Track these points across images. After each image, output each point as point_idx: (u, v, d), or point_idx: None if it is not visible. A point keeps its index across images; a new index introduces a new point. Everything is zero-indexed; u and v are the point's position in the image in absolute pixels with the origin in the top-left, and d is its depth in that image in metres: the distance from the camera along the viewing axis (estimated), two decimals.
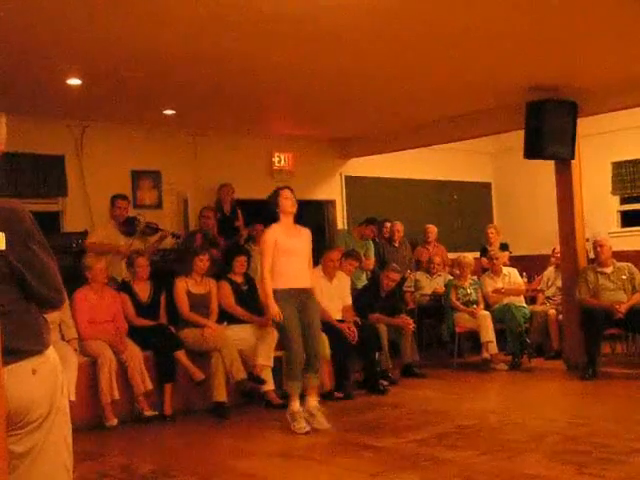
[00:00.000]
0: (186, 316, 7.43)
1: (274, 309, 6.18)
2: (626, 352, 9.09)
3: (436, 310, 9.75)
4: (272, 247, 6.26)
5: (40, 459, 2.52)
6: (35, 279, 2.48)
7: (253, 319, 7.51)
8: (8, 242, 2.23)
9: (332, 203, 11.59)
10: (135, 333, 7.20)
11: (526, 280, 10.35)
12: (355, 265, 8.70)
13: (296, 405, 6.24)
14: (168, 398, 7.06)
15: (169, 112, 8.83)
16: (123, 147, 9.41)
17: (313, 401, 6.34)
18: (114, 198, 8.19)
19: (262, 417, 6.82)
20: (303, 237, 6.49)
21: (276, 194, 6.42)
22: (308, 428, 6.13)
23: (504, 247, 11.09)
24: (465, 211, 12.77)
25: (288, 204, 6.35)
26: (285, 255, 6.28)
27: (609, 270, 8.41)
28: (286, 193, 6.39)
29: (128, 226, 8.14)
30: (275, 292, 6.24)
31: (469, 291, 9.43)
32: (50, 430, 2.53)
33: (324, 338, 7.54)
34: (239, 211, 9.53)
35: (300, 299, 6.32)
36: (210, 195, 9.76)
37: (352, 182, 11.65)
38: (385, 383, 8.01)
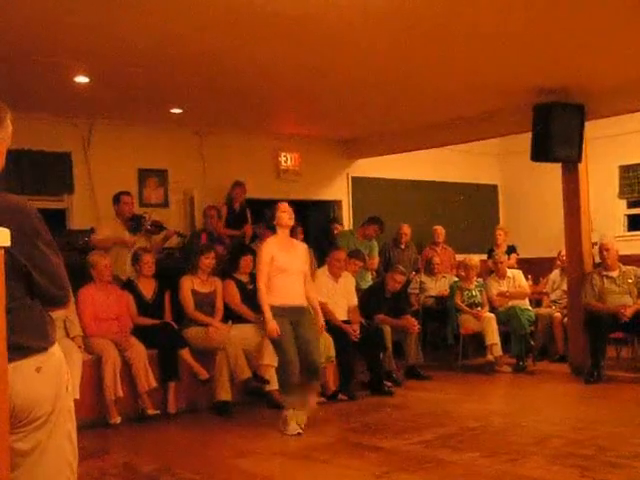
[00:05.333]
0: (191, 315, 7.44)
1: (272, 325, 6.13)
2: (631, 356, 9.06)
3: (441, 312, 9.74)
4: (268, 263, 6.23)
5: (44, 457, 2.52)
6: (40, 276, 2.48)
7: (258, 318, 7.51)
8: (14, 239, 2.22)
9: (338, 203, 11.59)
10: (139, 331, 7.21)
11: (531, 283, 10.34)
12: (360, 265, 8.71)
13: (290, 411, 6.23)
14: (172, 396, 7.08)
15: (176, 110, 8.85)
16: (130, 145, 9.43)
17: (313, 402, 6.38)
18: (118, 195, 8.19)
19: (266, 416, 6.81)
20: (299, 253, 6.44)
21: (275, 207, 6.40)
22: (299, 430, 6.14)
23: (512, 249, 11.08)
24: (471, 213, 12.74)
25: (285, 217, 6.32)
26: (280, 272, 6.24)
27: (615, 274, 8.39)
28: (284, 207, 6.36)
29: (134, 223, 8.15)
30: (270, 308, 6.20)
31: (474, 293, 9.42)
32: (54, 428, 2.53)
33: (329, 339, 7.56)
34: (249, 211, 9.53)
35: (295, 316, 6.27)
36: (217, 194, 9.76)
37: (359, 183, 11.64)
38: (389, 384, 8.02)
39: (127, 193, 8.27)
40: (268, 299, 6.21)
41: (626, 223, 11.79)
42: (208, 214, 9.11)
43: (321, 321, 6.61)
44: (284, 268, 6.25)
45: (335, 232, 10.33)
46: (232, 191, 9.57)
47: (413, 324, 8.63)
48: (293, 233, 6.72)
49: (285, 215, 6.33)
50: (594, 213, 9.82)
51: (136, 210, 8.59)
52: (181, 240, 8.87)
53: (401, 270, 8.87)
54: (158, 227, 8.43)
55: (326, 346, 7.49)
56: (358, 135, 11.08)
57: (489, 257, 10.74)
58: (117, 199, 8.18)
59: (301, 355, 6.25)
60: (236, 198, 9.53)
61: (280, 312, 6.20)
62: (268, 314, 6.16)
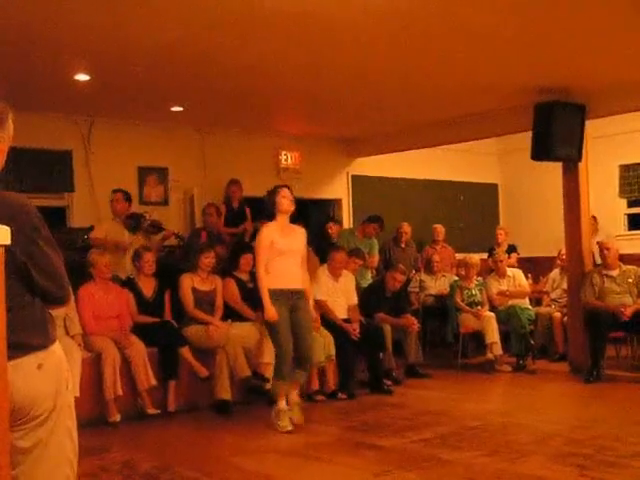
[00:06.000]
0: (191, 313, 7.44)
1: (271, 310, 6.14)
2: (631, 355, 9.06)
3: (441, 311, 9.74)
4: (267, 246, 6.22)
5: (45, 454, 2.52)
6: (40, 274, 2.48)
7: (258, 317, 7.52)
8: (14, 237, 2.22)
9: (338, 202, 11.58)
10: (139, 329, 7.20)
11: (531, 282, 10.34)
12: (359, 263, 8.73)
13: (282, 404, 6.25)
14: (172, 395, 7.08)
15: (177, 109, 8.85)
16: (130, 143, 9.43)
17: (294, 396, 6.35)
18: (112, 192, 8.20)
19: (265, 414, 6.78)
20: (298, 236, 6.45)
21: (274, 192, 6.37)
22: (291, 427, 6.16)
23: (512, 249, 11.07)
24: (471, 212, 12.75)
25: (286, 203, 6.31)
26: (280, 255, 6.24)
27: (615, 273, 8.39)
28: (284, 192, 6.35)
29: (133, 222, 8.15)
30: (269, 292, 6.21)
31: (474, 292, 9.42)
32: (55, 426, 2.54)
33: (329, 338, 7.57)
34: (247, 209, 9.52)
35: (292, 300, 6.28)
36: (217, 192, 9.77)
37: (359, 181, 11.65)
38: (389, 383, 8.02)
39: (118, 190, 8.22)
40: (267, 283, 6.21)
41: (626, 222, 11.80)
42: (207, 212, 9.11)
43: (314, 313, 6.60)
44: (283, 250, 6.24)
45: (329, 231, 10.25)
46: (228, 189, 9.58)
47: (413, 323, 8.64)
48: None
49: (285, 200, 6.31)
50: (598, 212, 9.87)
51: (136, 208, 8.60)
52: (179, 242, 8.86)
53: (401, 269, 8.88)
54: (156, 227, 8.43)
55: (326, 344, 7.51)
56: (358, 134, 11.08)
57: (490, 256, 10.74)
58: (111, 198, 8.20)
59: (295, 341, 6.27)
60: (233, 196, 9.53)
61: (279, 296, 6.19)
62: (267, 299, 6.15)
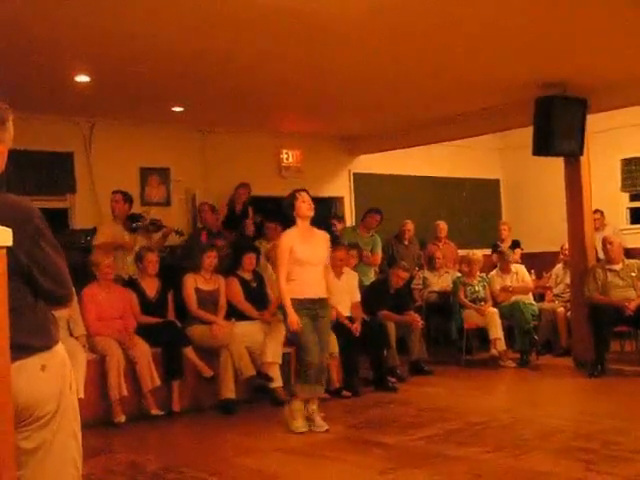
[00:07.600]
0: (194, 313, 7.44)
1: (293, 317, 5.98)
2: (635, 350, 9.05)
3: (444, 307, 9.73)
4: (287, 254, 6.06)
5: (49, 455, 2.53)
6: (43, 276, 2.48)
7: (262, 316, 7.52)
8: (16, 239, 2.22)
9: (340, 200, 11.58)
10: (143, 330, 7.20)
11: (534, 277, 10.33)
12: (355, 256, 8.72)
13: (298, 403, 6.14)
14: (176, 395, 7.08)
15: (178, 109, 8.85)
16: (132, 144, 9.43)
17: (313, 405, 6.22)
18: (112, 194, 8.20)
19: (269, 414, 6.81)
20: (320, 242, 6.27)
21: (293, 197, 6.20)
22: (305, 428, 6.07)
23: (516, 244, 11.06)
24: (474, 208, 12.73)
25: (305, 207, 6.14)
26: (300, 264, 6.07)
27: (618, 267, 8.38)
28: (303, 196, 6.16)
29: (132, 222, 8.16)
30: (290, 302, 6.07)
31: (477, 288, 9.41)
32: (59, 426, 2.54)
33: (332, 336, 7.56)
34: (251, 210, 9.50)
35: (314, 309, 6.12)
36: (218, 191, 9.77)
37: (360, 179, 11.64)
38: (393, 380, 8.02)
39: (117, 192, 8.20)
40: (289, 291, 6.07)
41: (628, 216, 11.79)
42: (202, 209, 9.10)
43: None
44: (303, 260, 6.08)
45: (332, 229, 10.22)
46: (235, 192, 9.56)
47: (417, 320, 8.64)
48: None
49: (305, 205, 6.14)
50: (600, 207, 9.85)
51: (138, 209, 8.60)
52: (180, 237, 8.84)
53: (404, 266, 8.88)
54: (156, 225, 8.42)
55: (329, 342, 7.49)
56: (359, 131, 11.07)
57: (493, 252, 10.72)
58: (111, 199, 8.19)
59: None
60: (238, 199, 9.51)
61: (300, 306, 6.04)
62: (289, 307, 6.00)
